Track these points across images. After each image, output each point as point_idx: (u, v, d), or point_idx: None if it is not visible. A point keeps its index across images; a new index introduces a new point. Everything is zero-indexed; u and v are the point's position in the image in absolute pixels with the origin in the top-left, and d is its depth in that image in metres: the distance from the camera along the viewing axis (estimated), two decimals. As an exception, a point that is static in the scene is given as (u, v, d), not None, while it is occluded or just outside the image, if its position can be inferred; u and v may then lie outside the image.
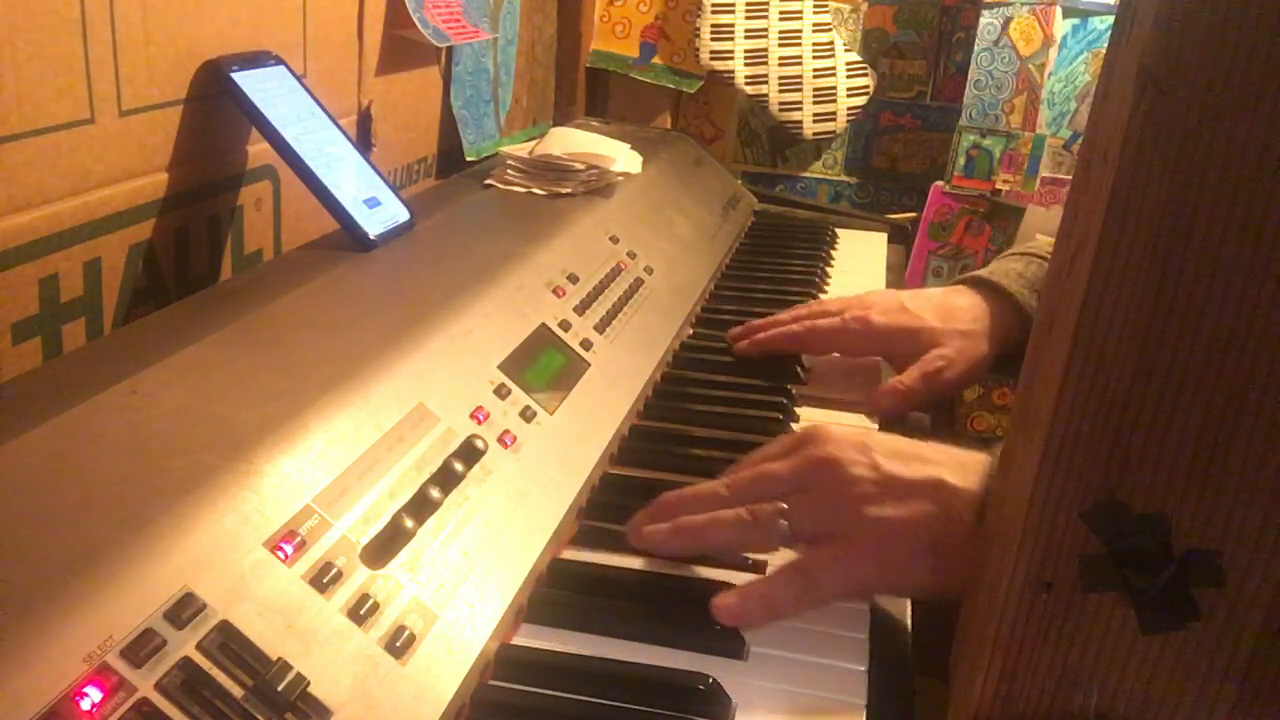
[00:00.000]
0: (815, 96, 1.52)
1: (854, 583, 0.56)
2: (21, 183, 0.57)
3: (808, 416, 0.80)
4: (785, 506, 0.57)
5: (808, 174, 1.59)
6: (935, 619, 0.62)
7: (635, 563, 0.60)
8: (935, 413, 0.60)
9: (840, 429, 0.61)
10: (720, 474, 0.62)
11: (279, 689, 0.40)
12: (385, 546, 0.49)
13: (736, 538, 0.58)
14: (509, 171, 1.00)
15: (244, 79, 0.71)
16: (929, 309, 0.83)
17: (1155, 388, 0.38)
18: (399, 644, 0.46)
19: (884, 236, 1.34)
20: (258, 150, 0.76)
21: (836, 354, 0.88)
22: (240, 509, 0.45)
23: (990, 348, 0.82)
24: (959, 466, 0.56)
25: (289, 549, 0.45)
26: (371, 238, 0.76)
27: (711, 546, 0.58)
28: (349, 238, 0.75)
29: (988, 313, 0.83)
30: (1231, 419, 0.37)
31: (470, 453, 0.57)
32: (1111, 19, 0.73)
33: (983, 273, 0.87)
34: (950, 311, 0.83)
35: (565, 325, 0.75)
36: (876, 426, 0.80)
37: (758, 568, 0.60)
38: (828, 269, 1.17)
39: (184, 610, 0.40)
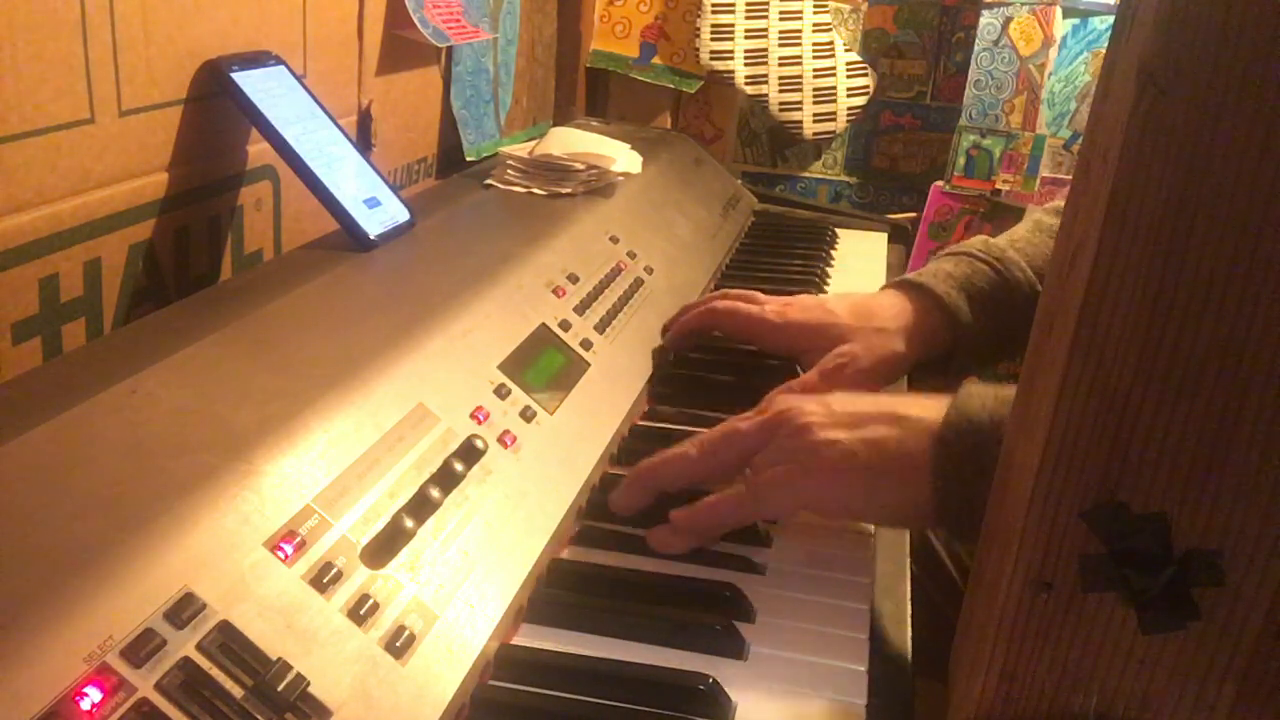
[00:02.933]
0: (815, 96, 1.52)
1: (799, 500, 0.59)
2: (21, 183, 0.57)
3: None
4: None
5: (808, 174, 1.59)
6: (935, 619, 0.62)
7: (635, 563, 0.60)
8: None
9: (805, 395, 0.64)
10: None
11: (279, 689, 0.40)
12: (385, 546, 0.49)
13: (735, 515, 0.60)
14: (509, 171, 1.00)
15: (244, 79, 0.71)
16: (845, 307, 0.83)
17: (1155, 388, 0.38)
18: (399, 644, 0.46)
19: (884, 236, 1.34)
20: (258, 150, 0.76)
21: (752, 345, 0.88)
22: (240, 509, 0.45)
23: (909, 346, 0.82)
24: (917, 402, 0.59)
25: (289, 549, 0.45)
26: (371, 238, 0.76)
27: (720, 529, 0.61)
28: (349, 238, 0.75)
29: (910, 311, 0.83)
30: (1231, 419, 0.37)
31: (470, 453, 0.57)
32: (1111, 19, 0.73)
33: (911, 275, 0.86)
34: (868, 310, 0.83)
35: (565, 325, 0.75)
36: None
37: (759, 569, 0.60)
38: (828, 269, 1.17)
39: (184, 610, 0.40)
